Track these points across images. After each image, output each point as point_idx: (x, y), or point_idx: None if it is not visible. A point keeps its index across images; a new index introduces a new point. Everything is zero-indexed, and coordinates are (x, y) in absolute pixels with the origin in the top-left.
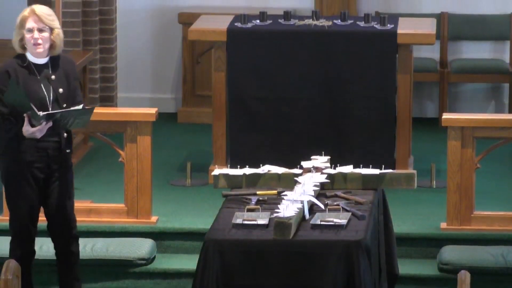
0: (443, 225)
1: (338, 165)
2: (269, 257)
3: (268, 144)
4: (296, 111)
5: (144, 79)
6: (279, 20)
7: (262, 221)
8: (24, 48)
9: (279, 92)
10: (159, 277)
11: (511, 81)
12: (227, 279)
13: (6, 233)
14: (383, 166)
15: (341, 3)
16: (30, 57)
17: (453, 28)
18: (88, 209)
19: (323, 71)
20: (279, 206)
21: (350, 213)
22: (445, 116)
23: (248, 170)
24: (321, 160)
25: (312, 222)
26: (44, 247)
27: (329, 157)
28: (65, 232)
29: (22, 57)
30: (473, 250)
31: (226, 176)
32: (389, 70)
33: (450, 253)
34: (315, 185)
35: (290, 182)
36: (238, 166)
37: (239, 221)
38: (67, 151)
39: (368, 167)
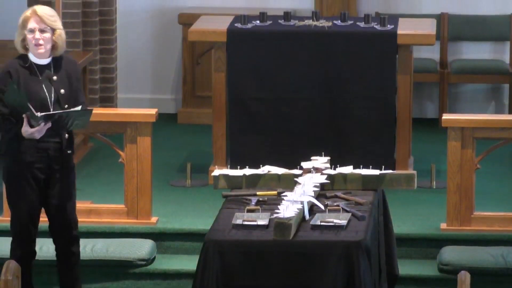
0: (443, 225)
1: (338, 165)
2: (269, 258)
3: (268, 144)
4: (296, 111)
5: (144, 80)
6: (279, 21)
7: (262, 221)
8: (26, 48)
9: (279, 93)
10: (159, 277)
11: (511, 81)
12: (227, 279)
13: (6, 233)
14: (383, 166)
15: (341, 4)
16: (32, 57)
17: (453, 28)
18: (88, 209)
19: (323, 72)
20: (279, 206)
21: (350, 214)
22: (445, 116)
23: (248, 171)
24: (321, 161)
25: (312, 222)
26: (45, 248)
27: (329, 158)
28: (66, 233)
29: (24, 58)
30: (473, 251)
31: (226, 176)
32: (389, 71)
33: (450, 254)
34: (315, 186)
35: (290, 183)
36: (238, 167)
37: (239, 221)
38: (68, 152)
39: (368, 167)
